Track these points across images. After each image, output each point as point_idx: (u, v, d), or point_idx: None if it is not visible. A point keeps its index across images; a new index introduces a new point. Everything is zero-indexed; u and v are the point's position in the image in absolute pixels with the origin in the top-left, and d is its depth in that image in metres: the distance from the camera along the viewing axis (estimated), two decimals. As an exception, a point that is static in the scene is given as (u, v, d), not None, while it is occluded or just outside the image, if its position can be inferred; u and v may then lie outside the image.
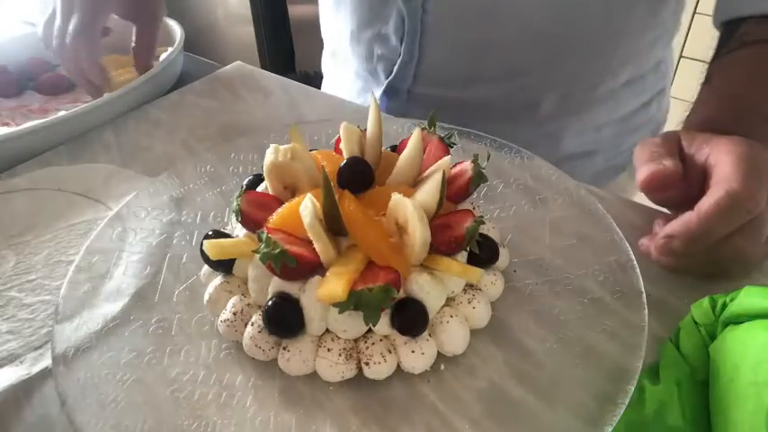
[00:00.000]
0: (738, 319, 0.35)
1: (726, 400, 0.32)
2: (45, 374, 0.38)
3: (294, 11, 2.11)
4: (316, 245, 0.35)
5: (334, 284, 0.33)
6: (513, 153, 0.52)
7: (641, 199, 0.47)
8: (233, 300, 0.39)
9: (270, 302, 0.36)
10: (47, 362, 0.39)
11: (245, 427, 0.34)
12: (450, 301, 0.38)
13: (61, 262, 0.47)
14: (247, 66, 0.78)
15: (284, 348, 0.36)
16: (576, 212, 0.46)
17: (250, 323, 0.37)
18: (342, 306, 0.33)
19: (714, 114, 0.46)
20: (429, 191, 0.38)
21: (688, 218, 0.37)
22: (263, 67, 0.92)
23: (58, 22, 0.64)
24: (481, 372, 0.37)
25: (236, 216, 0.39)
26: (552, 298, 0.41)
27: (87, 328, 0.39)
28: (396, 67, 0.67)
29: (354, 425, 0.34)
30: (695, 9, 1.70)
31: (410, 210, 0.35)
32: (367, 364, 0.35)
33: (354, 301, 0.33)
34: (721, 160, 0.38)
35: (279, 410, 0.35)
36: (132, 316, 0.40)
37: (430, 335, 0.37)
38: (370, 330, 0.36)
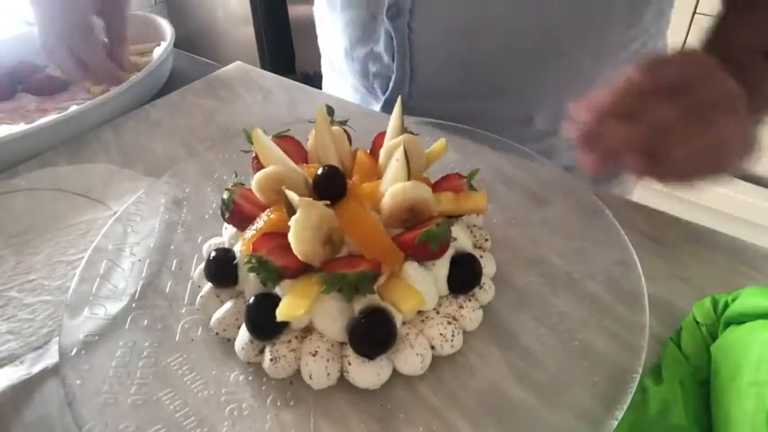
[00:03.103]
0: (740, 319, 0.35)
1: (727, 399, 0.32)
2: (45, 374, 0.38)
3: (294, 11, 2.11)
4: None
5: (297, 304, 0.34)
6: (513, 153, 0.52)
7: (642, 199, 0.47)
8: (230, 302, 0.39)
9: (251, 301, 0.36)
10: (47, 362, 0.39)
11: (246, 426, 0.34)
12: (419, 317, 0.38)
13: (61, 262, 0.47)
14: (247, 66, 0.78)
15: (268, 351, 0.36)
16: (576, 212, 0.46)
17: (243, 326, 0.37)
18: (325, 289, 0.34)
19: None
20: (394, 167, 0.40)
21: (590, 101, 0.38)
22: (263, 67, 0.92)
23: (43, 28, 0.65)
24: (481, 372, 0.37)
25: (227, 206, 0.40)
26: (552, 298, 0.40)
27: (87, 328, 0.39)
28: (391, 84, 0.68)
29: (354, 425, 0.34)
30: (695, 9, 1.69)
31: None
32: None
33: (339, 283, 0.34)
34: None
35: (279, 410, 0.35)
36: (132, 316, 0.40)
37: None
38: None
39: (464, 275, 0.39)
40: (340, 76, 0.76)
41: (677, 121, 0.36)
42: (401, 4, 0.61)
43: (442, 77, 0.65)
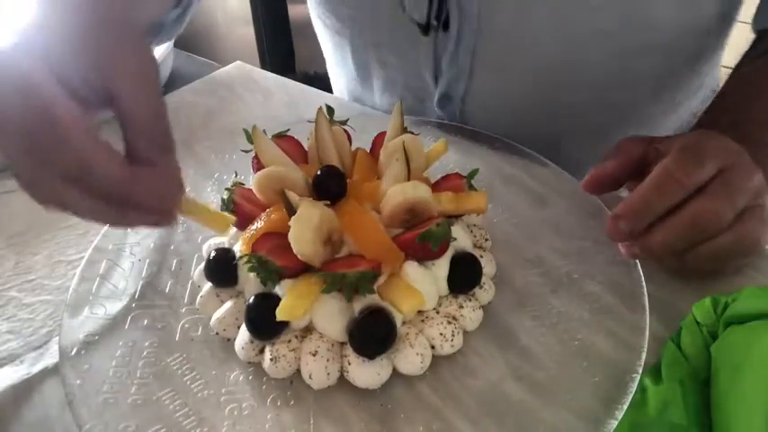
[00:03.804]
0: (740, 320, 0.35)
1: (727, 399, 0.32)
2: (45, 374, 0.38)
3: (294, 11, 2.11)
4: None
5: (297, 304, 0.34)
6: (513, 153, 0.52)
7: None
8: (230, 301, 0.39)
9: (251, 300, 0.36)
10: (47, 362, 0.39)
11: (246, 426, 0.34)
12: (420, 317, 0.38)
13: (61, 262, 0.47)
14: (247, 66, 0.78)
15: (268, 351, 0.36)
16: (576, 212, 0.46)
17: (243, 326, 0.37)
18: (326, 289, 0.34)
19: (714, 119, 0.47)
20: (396, 168, 0.40)
21: (630, 196, 0.38)
22: (263, 67, 0.92)
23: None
24: (481, 372, 0.36)
25: (227, 207, 0.40)
26: (552, 298, 0.40)
27: (87, 327, 0.39)
28: None
29: (354, 425, 0.34)
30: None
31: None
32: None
33: (339, 283, 0.34)
34: (671, 149, 0.39)
35: (279, 410, 0.35)
36: (132, 316, 0.40)
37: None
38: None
39: (464, 275, 0.39)
40: None
41: (712, 224, 0.36)
42: (453, 94, 0.60)
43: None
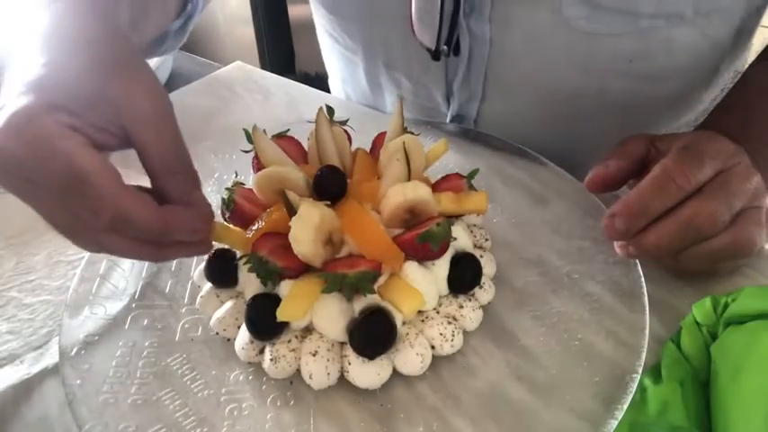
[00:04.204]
0: (740, 320, 0.35)
1: (727, 400, 0.32)
2: (45, 374, 0.38)
3: (294, 11, 2.11)
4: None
5: (297, 305, 0.34)
6: (513, 153, 0.52)
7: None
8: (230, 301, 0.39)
9: (251, 301, 0.36)
10: (47, 362, 0.39)
11: (246, 426, 0.34)
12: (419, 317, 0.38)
13: (61, 262, 0.47)
14: (247, 66, 0.78)
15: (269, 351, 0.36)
16: (576, 212, 0.46)
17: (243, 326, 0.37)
18: (326, 289, 0.34)
19: (718, 121, 0.47)
20: (396, 167, 0.40)
21: (627, 195, 0.38)
22: (263, 67, 0.92)
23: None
24: (481, 372, 0.37)
25: (227, 206, 0.40)
26: (552, 298, 0.40)
27: (87, 327, 0.39)
28: None
29: (354, 425, 0.34)
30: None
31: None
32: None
33: (339, 283, 0.34)
34: (671, 149, 0.39)
35: (279, 410, 0.35)
36: (132, 316, 0.40)
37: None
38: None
39: (464, 275, 0.39)
40: None
41: (708, 226, 0.36)
42: (465, 114, 0.60)
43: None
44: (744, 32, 0.56)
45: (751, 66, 0.52)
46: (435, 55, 0.54)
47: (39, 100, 0.27)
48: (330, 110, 0.45)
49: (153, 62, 0.70)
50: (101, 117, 0.29)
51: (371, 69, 0.65)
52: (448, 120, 0.62)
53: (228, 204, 0.40)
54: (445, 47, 0.54)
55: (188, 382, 0.36)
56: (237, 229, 0.39)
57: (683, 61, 0.53)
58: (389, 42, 0.59)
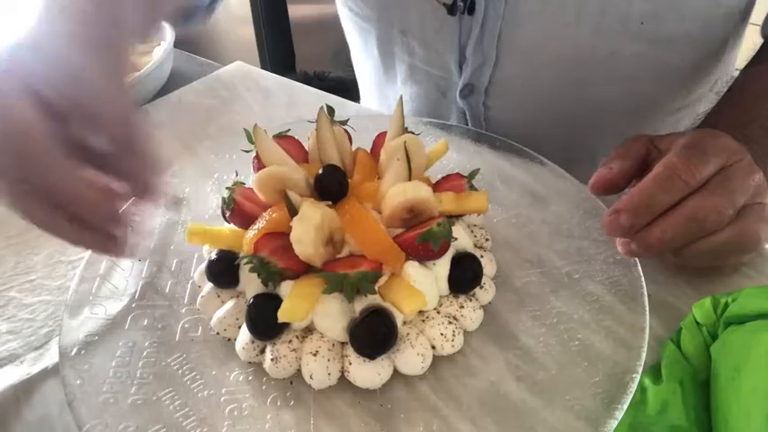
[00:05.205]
0: (740, 320, 0.35)
1: (726, 400, 0.32)
2: (45, 374, 0.38)
3: (294, 11, 2.11)
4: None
5: (298, 306, 0.34)
6: (513, 153, 0.52)
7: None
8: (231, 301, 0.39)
9: (252, 301, 0.36)
10: (47, 362, 0.39)
11: (246, 426, 0.34)
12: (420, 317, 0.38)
13: (61, 262, 0.47)
14: (247, 66, 0.78)
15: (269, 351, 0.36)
16: (576, 212, 0.46)
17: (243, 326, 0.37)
18: (327, 289, 0.34)
19: (719, 120, 0.47)
20: (396, 169, 0.40)
21: (631, 191, 0.38)
22: (263, 67, 0.92)
23: None
24: (481, 372, 0.37)
25: (228, 205, 0.40)
26: (552, 298, 0.40)
27: (87, 327, 0.39)
28: None
29: (354, 425, 0.34)
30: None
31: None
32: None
33: (340, 283, 0.34)
34: (673, 147, 0.39)
35: (279, 410, 0.35)
36: (132, 316, 0.40)
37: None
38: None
39: (465, 275, 0.39)
40: None
41: (712, 221, 0.37)
42: (476, 84, 0.60)
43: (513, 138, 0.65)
44: (751, 5, 0.57)
45: (745, 68, 0.52)
46: (451, 9, 0.55)
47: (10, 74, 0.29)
48: (330, 110, 0.45)
49: (153, 62, 0.70)
50: (64, 87, 0.30)
51: (385, 37, 0.65)
52: (458, 90, 0.61)
53: (229, 203, 0.40)
54: (461, 2, 0.54)
55: (188, 382, 0.36)
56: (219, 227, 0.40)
57: (694, 27, 0.54)
58: (405, 5, 0.60)
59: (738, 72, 0.53)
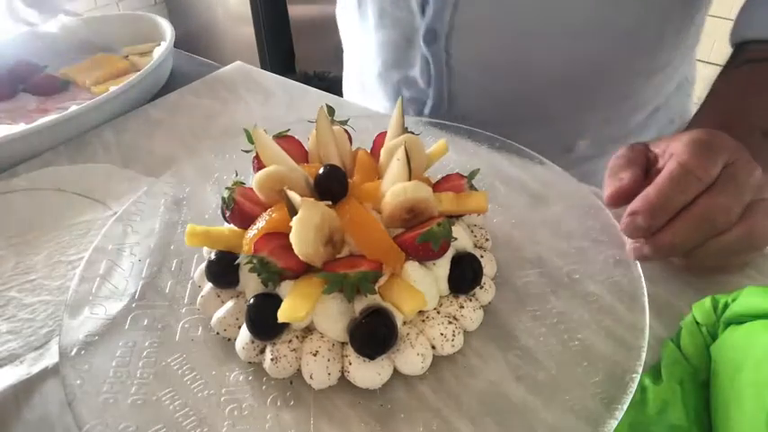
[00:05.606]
0: (740, 320, 0.35)
1: (726, 400, 0.32)
2: (45, 374, 0.38)
3: (294, 11, 2.11)
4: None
5: (298, 306, 0.34)
6: (513, 153, 0.52)
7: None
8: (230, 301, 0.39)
9: (252, 301, 0.36)
10: (47, 362, 0.39)
11: (246, 426, 0.34)
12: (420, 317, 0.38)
13: (61, 262, 0.47)
14: (247, 66, 0.78)
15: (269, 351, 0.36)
16: (576, 212, 0.46)
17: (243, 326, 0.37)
18: (327, 289, 0.34)
19: (707, 120, 0.47)
20: (396, 166, 0.40)
21: (646, 192, 0.38)
22: (263, 67, 0.92)
23: None
24: (481, 372, 0.37)
25: (227, 205, 0.40)
26: (552, 298, 0.40)
27: (87, 327, 0.39)
28: (426, 110, 0.67)
29: (354, 425, 0.34)
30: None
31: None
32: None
33: (340, 283, 0.34)
34: (678, 146, 0.39)
35: (279, 410, 0.35)
36: (132, 316, 0.40)
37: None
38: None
39: (465, 275, 0.39)
40: (371, 98, 0.76)
41: (723, 219, 0.37)
42: (438, 29, 0.60)
43: (479, 105, 0.65)
44: None
45: (723, 72, 0.53)
46: None
47: None
48: (330, 109, 0.45)
49: (153, 62, 0.70)
50: None
51: None
52: (422, 35, 0.62)
53: (229, 203, 0.40)
54: None
55: (188, 382, 0.36)
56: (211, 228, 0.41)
57: None
58: None
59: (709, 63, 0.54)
